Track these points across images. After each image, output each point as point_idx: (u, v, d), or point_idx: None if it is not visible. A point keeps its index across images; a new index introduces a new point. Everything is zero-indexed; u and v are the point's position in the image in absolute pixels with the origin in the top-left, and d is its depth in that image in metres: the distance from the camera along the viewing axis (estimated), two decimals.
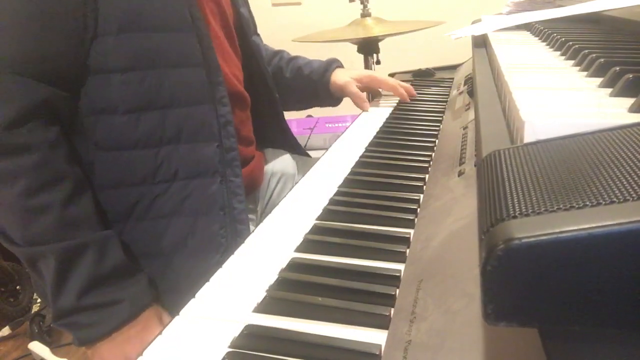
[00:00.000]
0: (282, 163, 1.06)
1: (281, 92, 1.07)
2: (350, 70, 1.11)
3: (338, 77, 1.07)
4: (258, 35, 1.07)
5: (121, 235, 0.74)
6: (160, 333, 0.40)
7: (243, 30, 0.97)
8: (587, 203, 0.21)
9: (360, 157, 0.75)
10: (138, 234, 0.74)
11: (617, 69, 0.44)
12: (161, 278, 0.75)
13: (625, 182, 0.23)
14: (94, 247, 0.66)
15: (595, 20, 0.89)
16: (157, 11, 0.72)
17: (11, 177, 0.63)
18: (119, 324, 0.66)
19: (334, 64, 1.09)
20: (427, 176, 0.64)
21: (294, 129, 2.21)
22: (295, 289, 0.44)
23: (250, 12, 1.05)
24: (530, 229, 0.21)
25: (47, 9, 0.66)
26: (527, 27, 0.93)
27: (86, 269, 0.65)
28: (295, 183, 0.72)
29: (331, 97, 1.10)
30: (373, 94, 1.24)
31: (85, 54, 0.69)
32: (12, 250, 0.68)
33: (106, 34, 0.69)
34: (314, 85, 1.08)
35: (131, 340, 0.66)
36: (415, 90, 1.19)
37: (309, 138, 2.15)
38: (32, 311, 1.73)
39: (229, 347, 0.38)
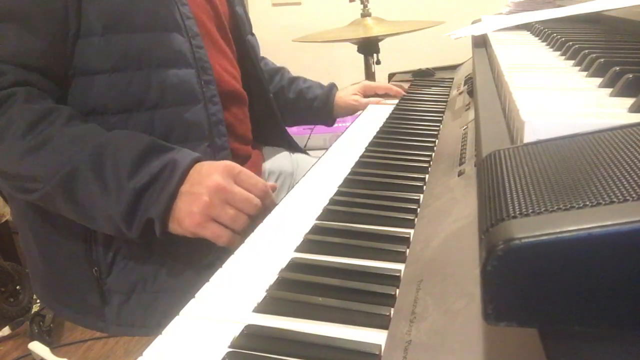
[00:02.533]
0: (279, 161, 1.06)
1: (282, 110, 1.12)
2: (346, 89, 1.19)
3: (342, 100, 1.15)
4: (253, 35, 1.07)
5: (113, 237, 0.73)
6: (161, 333, 0.40)
7: (238, 29, 0.97)
8: (587, 203, 0.21)
9: (360, 157, 0.75)
10: None
11: (617, 69, 0.44)
12: (154, 279, 0.75)
13: (625, 182, 0.23)
14: (115, 139, 0.66)
15: (595, 20, 0.89)
16: (143, 11, 0.72)
17: (8, 125, 0.64)
18: (181, 175, 0.64)
19: (333, 89, 1.17)
20: (427, 176, 0.64)
21: (293, 129, 2.22)
22: (295, 289, 0.44)
23: (245, 11, 1.05)
24: (530, 229, 0.21)
25: (28, 7, 0.66)
26: (527, 27, 0.93)
27: (122, 154, 0.64)
28: (295, 182, 0.72)
29: (331, 119, 1.19)
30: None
31: (70, 54, 0.69)
32: (47, 201, 0.66)
33: (91, 34, 0.69)
34: (317, 111, 1.16)
35: (200, 188, 0.64)
36: (415, 90, 1.20)
37: (309, 138, 2.15)
38: (32, 311, 1.73)
39: (229, 347, 0.38)
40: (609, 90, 0.42)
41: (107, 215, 0.65)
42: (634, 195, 0.21)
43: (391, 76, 1.41)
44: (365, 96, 1.18)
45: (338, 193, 0.63)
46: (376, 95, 1.21)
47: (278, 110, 1.07)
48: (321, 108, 1.14)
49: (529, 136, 0.34)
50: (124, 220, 0.64)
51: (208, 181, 0.64)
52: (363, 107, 1.14)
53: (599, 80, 0.46)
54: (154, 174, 0.64)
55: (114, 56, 0.70)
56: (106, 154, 0.65)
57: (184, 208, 0.64)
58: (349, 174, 0.69)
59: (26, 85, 0.67)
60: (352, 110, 1.16)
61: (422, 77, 1.34)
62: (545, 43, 0.74)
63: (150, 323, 0.75)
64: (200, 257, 0.76)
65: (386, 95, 1.18)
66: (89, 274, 0.75)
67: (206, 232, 0.65)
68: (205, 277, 0.48)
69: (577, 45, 0.60)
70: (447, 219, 0.48)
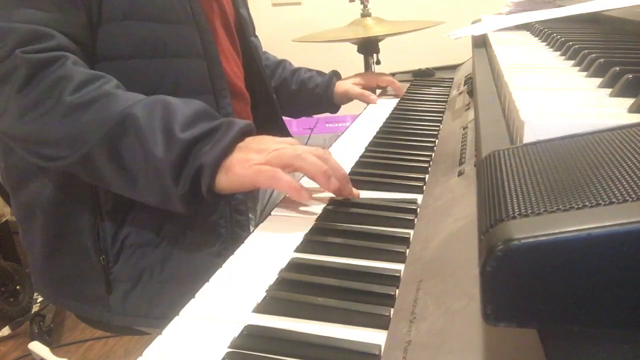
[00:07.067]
0: None
1: (286, 101, 1.14)
2: (347, 79, 1.21)
3: (340, 87, 1.17)
4: (256, 37, 1.08)
5: (121, 225, 0.74)
6: (160, 334, 0.41)
7: (242, 30, 0.98)
8: (587, 203, 0.21)
9: (360, 157, 0.75)
10: (138, 223, 0.75)
11: (617, 69, 0.44)
12: (161, 268, 0.75)
13: (624, 183, 0.23)
14: (168, 99, 0.65)
15: (595, 20, 0.89)
16: (158, 2, 0.74)
17: (60, 81, 0.63)
18: (238, 132, 0.62)
19: (334, 77, 1.19)
20: (427, 176, 0.64)
21: (293, 129, 2.22)
22: (295, 289, 0.44)
23: (249, 13, 1.06)
24: (530, 230, 0.21)
25: None
26: (527, 27, 0.93)
27: (175, 110, 0.62)
28: None
29: (333, 106, 1.20)
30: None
31: (93, 40, 0.71)
32: (83, 164, 0.64)
33: (110, 20, 0.71)
34: (319, 98, 1.17)
35: (259, 145, 0.62)
36: (415, 90, 1.20)
37: (309, 138, 2.15)
38: (32, 311, 1.73)
39: (229, 347, 0.38)
40: (609, 90, 0.42)
41: (153, 168, 0.61)
42: (633, 196, 0.21)
43: (391, 76, 1.41)
44: (367, 86, 1.19)
45: None
46: (378, 86, 1.23)
47: (280, 111, 1.08)
48: (322, 95, 1.16)
49: (528, 136, 0.34)
50: (173, 170, 0.60)
51: (268, 141, 0.63)
52: (359, 96, 1.16)
53: (598, 80, 0.46)
54: (209, 128, 0.62)
55: (132, 43, 0.72)
56: (158, 109, 0.63)
57: (236, 157, 0.61)
58: (349, 174, 0.69)
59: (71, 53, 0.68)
60: (348, 98, 1.17)
61: (422, 77, 1.34)
62: (545, 43, 0.74)
63: (154, 314, 0.75)
64: (208, 245, 0.76)
65: (388, 87, 1.19)
66: (95, 263, 0.75)
67: (253, 170, 0.59)
68: (212, 267, 0.48)
69: (577, 45, 0.60)
70: (447, 219, 0.48)
